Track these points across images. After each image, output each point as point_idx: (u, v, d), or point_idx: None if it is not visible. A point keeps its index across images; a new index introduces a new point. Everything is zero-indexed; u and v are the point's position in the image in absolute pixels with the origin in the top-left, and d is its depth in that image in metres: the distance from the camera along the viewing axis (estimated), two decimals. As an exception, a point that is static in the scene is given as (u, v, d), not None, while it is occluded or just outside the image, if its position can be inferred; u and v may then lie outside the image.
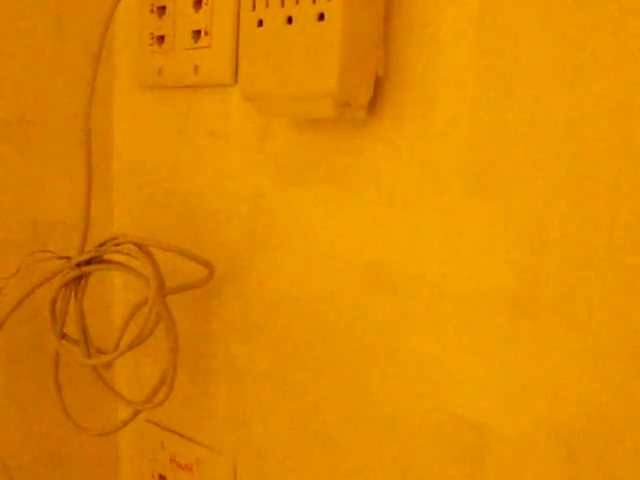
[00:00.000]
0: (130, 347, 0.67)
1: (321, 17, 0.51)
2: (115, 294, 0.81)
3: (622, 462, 0.48)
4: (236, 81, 0.67)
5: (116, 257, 0.75)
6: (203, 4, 0.68)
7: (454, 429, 0.55)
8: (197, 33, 0.69)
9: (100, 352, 0.71)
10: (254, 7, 0.56)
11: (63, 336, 0.70)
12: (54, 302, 0.69)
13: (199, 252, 0.67)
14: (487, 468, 0.54)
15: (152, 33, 0.73)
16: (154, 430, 0.80)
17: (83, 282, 0.69)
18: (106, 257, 0.71)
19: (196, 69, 0.69)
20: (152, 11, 0.73)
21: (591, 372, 0.48)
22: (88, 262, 0.68)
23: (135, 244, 0.67)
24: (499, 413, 0.53)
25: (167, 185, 0.74)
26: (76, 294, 0.69)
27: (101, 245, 0.68)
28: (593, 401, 0.48)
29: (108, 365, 0.70)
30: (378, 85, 0.55)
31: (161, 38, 0.72)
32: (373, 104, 0.56)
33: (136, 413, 0.71)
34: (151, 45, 0.73)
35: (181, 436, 0.78)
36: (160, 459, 0.79)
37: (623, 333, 0.46)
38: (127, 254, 0.66)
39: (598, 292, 0.47)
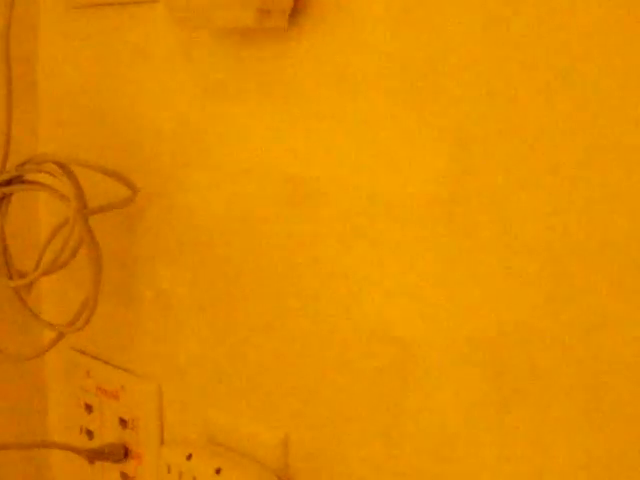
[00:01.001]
0: (51, 268, 0.66)
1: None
2: (39, 215, 0.79)
3: (540, 374, 0.48)
4: (161, -4, 0.65)
5: (39, 177, 0.74)
6: None
7: (379, 344, 0.56)
8: None
9: (22, 275, 0.69)
10: None
11: (-17, 258, 0.68)
12: (-27, 222, 0.67)
13: (123, 172, 0.66)
14: (411, 383, 0.54)
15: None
16: (80, 358, 0.79)
17: (4, 203, 0.68)
18: (28, 177, 0.69)
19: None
20: None
21: (515, 286, 0.49)
22: (8, 182, 0.67)
23: (57, 163, 0.65)
24: (423, 328, 0.53)
25: (92, 105, 0.73)
26: (-4, 214, 0.67)
27: (22, 165, 0.66)
28: (515, 314, 0.49)
29: (29, 287, 0.69)
30: (300, -4, 0.55)
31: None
32: (295, 13, 0.55)
33: (59, 337, 0.70)
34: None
35: (107, 363, 0.77)
36: (86, 387, 0.79)
37: (549, 245, 0.47)
38: (49, 174, 0.65)
39: (524, 202, 0.47)
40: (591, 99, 0.44)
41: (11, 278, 0.69)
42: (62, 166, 0.65)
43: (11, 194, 0.68)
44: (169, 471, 0.66)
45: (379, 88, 0.52)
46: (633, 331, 0.44)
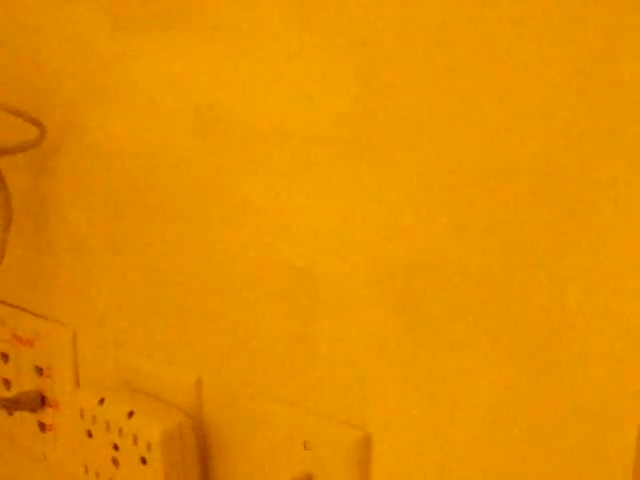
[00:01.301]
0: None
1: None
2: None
3: (449, 304, 0.48)
4: None
5: (-59, 116, 0.71)
6: None
7: (285, 276, 0.55)
8: None
9: None
10: None
11: None
12: None
13: (30, 111, 0.64)
14: (317, 315, 0.54)
15: None
16: (-6, 306, 0.77)
17: None
18: None
19: None
20: None
21: (422, 215, 0.48)
22: None
23: (-42, 100, 0.63)
24: (329, 259, 0.52)
25: (-2, 42, 0.70)
26: None
27: None
28: (422, 244, 0.48)
29: None
30: None
31: None
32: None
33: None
34: None
35: (21, 310, 0.75)
36: (2, 336, 0.77)
37: (455, 173, 0.46)
38: (-50, 111, 0.62)
39: (431, 132, 0.47)
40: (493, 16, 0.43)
41: None
42: (-36, 103, 0.62)
43: None
44: (82, 416, 0.65)
45: (287, 22, 0.51)
46: (542, 260, 0.44)
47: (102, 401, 0.64)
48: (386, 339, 0.51)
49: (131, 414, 0.62)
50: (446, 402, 0.49)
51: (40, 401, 0.75)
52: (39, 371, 0.74)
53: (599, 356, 0.43)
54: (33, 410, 0.75)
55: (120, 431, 0.62)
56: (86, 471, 0.66)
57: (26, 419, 0.77)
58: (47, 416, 0.75)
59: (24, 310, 0.75)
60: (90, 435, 0.65)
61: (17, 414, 0.78)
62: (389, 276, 0.50)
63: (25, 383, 0.76)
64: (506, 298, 0.45)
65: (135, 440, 0.61)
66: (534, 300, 0.44)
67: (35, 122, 0.64)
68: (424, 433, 0.50)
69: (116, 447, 0.63)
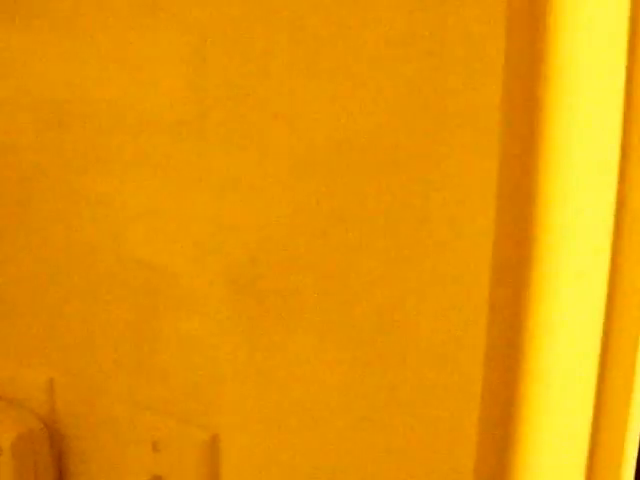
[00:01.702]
0: None
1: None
2: None
3: (284, 298, 0.47)
4: None
5: None
6: None
7: (132, 272, 0.53)
8: None
9: None
10: None
11: None
12: None
13: None
14: (164, 310, 0.52)
15: None
16: None
17: None
18: None
19: None
20: None
21: (258, 206, 0.47)
22: None
23: None
24: (176, 253, 0.51)
25: None
26: None
27: None
28: (264, 236, 0.47)
29: None
30: None
31: None
32: None
33: None
34: None
35: None
36: None
37: (295, 165, 0.45)
38: None
39: (269, 115, 0.45)
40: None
41: None
42: None
43: None
44: None
45: (119, 10, 0.49)
46: (379, 256, 0.43)
47: (-48, 406, 0.61)
48: (231, 337, 0.49)
49: (-19, 418, 0.59)
50: (290, 399, 0.48)
51: None
52: None
53: (432, 354, 0.42)
54: None
55: (-31, 436, 0.59)
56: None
57: None
58: None
59: None
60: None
61: None
62: (233, 271, 0.48)
63: None
64: (345, 292, 0.45)
65: (-15, 445, 0.58)
66: (371, 294, 0.44)
67: None
68: (271, 431, 0.49)
69: (-33, 453, 0.60)
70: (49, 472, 0.59)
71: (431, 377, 0.42)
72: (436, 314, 0.42)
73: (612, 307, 0.44)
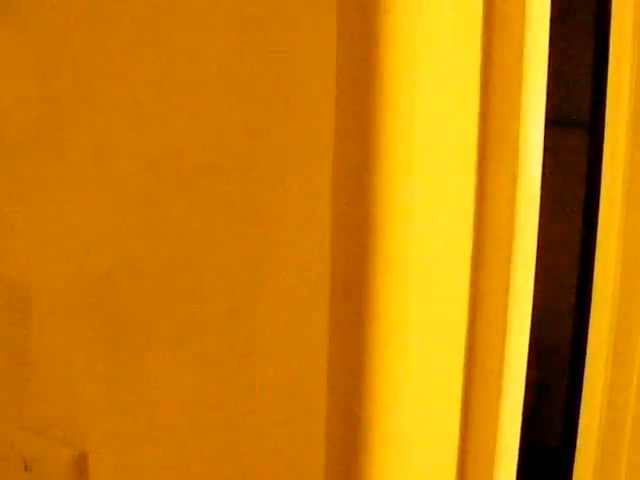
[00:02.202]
0: None
1: None
2: None
3: (138, 310, 0.47)
4: None
5: None
6: None
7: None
8: None
9: None
10: None
11: None
12: None
13: None
14: (31, 327, 0.52)
15: None
16: None
17: None
18: None
19: None
20: None
21: (115, 224, 0.46)
22: None
23: None
24: (41, 270, 0.50)
25: None
26: None
27: None
28: (118, 252, 0.47)
29: None
30: None
31: None
32: None
33: None
34: None
35: None
36: None
37: (145, 170, 0.45)
38: None
39: (117, 120, 0.45)
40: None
41: None
42: None
43: None
44: None
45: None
46: (230, 264, 0.43)
47: None
48: (93, 352, 0.49)
49: None
50: (152, 413, 0.48)
51: None
52: None
53: (281, 357, 0.42)
54: None
55: None
56: None
57: None
58: None
59: None
60: None
61: None
62: (89, 285, 0.48)
63: None
64: (196, 302, 0.44)
65: None
66: (219, 303, 0.43)
67: None
68: (136, 447, 0.49)
69: None
70: None
71: (280, 382, 0.43)
72: (282, 317, 0.42)
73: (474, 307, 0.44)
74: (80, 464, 0.51)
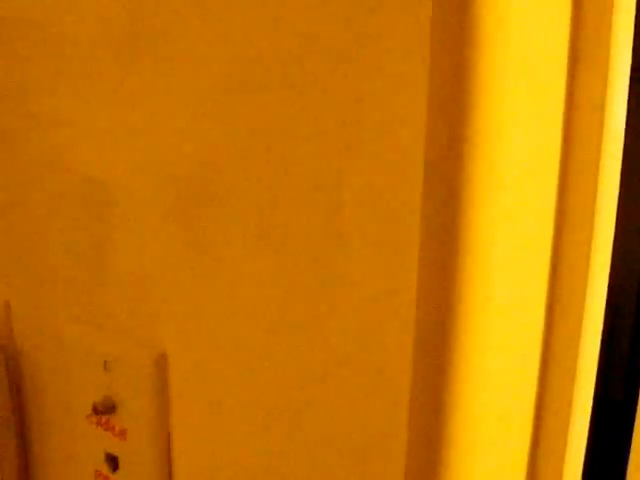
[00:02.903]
0: None
1: None
2: None
3: (219, 210, 0.45)
4: None
5: None
6: None
7: (79, 188, 0.52)
8: None
9: None
10: None
11: None
12: None
13: None
14: (111, 227, 0.51)
15: None
16: None
17: None
18: None
19: None
20: None
21: (197, 120, 0.45)
22: None
23: None
24: (121, 168, 0.49)
25: None
26: None
27: None
28: (198, 150, 0.45)
29: None
30: None
31: None
32: None
33: None
34: None
35: None
36: None
37: (220, 81, 0.43)
38: None
39: (198, 36, 0.43)
40: None
41: None
42: None
43: None
44: None
45: None
46: (306, 169, 0.41)
47: None
48: (174, 252, 0.48)
49: (-61, 341, 0.59)
50: (233, 311, 0.47)
51: None
52: None
53: (368, 260, 0.41)
54: None
55: None
56: None
57: None
58: None
59: None
60: None
61: None
62: (173, 184, 0.47)
63: None
64: (280, 197, 0.43)
65: (-57, 368, 0.58)
66: (306, 200, 0.42)
67: None
68: (217, 346, 0.48)
69: None
70: (6, 391, 0.59)
71: (366, 281, 0.41)
72: (371, 217, 0.40)
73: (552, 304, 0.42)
74: (160, 364, 0.51)
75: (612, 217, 0.42)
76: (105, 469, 0.54)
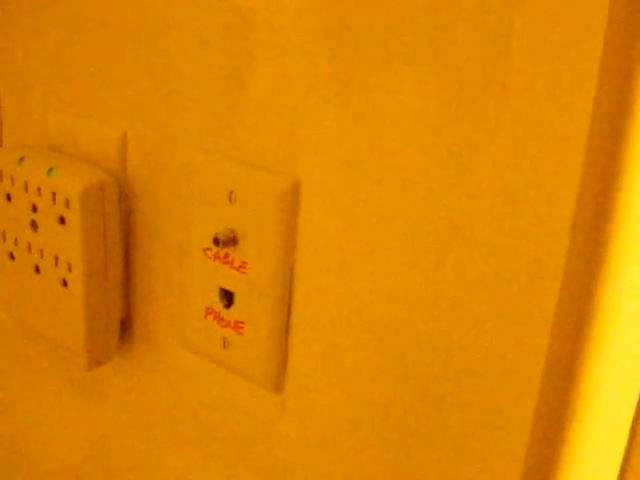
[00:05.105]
0: None
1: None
2: None
3: (374, 28, 0.43)
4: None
5: None
6: None
7: (219, 14, 0.50)
8: None
9: None
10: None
11: None
12: None
13: None
14: (251, 53, 0.49)
15: None
16: None
17: None
18: None
19: None
20: None
21: None
22: None
23: None
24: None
25: None
26: None
27: None
28: None
29: None
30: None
31: None
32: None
33: None
34: None
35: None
36: None
37: None
38: None
39: None
40: None
41: None
42: None
43: None
44: (1, 179, 0.60)
45: None
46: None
47: (22, 160, 0.59)
48: (319, 76, 0.46)
49: (50, 171, 0.57)
50: (377, 140, 0.45)
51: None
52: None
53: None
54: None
55: (39, 190, 0.58)
56: (4, 239, 0.62)
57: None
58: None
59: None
60: (9, 198, 0.60)
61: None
62: (320, 5, 0.45)
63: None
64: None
65: (54, 198, 0.57)
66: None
67: None
68: (353, 175, 0.46)
69: (35, 209, 0.59)
70: (117, 229, 0.58)
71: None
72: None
73: None
74: (292, 194, 0.49)
75: None
76: (218, 305, 0.53)
